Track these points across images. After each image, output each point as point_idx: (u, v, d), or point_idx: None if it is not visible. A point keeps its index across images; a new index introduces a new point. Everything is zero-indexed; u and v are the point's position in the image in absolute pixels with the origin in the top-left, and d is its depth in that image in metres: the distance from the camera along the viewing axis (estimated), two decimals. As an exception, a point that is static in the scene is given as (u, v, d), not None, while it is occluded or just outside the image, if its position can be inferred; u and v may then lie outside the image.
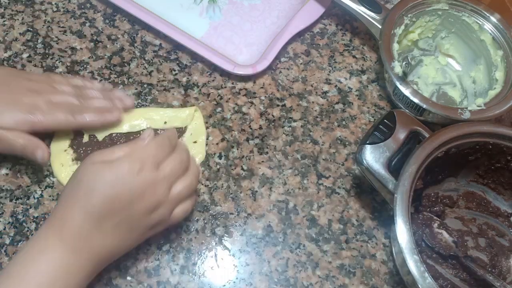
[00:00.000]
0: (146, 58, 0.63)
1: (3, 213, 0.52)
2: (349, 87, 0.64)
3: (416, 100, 0.56)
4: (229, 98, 0.61)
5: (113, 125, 0.55)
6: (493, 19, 0.61)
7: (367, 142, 0.51)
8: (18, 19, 0.64)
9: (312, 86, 0.63)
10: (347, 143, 0.60)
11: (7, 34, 0.63)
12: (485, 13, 0.62)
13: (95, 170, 0.43)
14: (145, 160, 0.44)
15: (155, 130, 0.56)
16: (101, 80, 0.61)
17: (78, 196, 0.43)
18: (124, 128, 0.56)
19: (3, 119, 0.48)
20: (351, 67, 0.66)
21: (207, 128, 0.59)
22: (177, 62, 0.63)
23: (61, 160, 0.54)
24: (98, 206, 0.43)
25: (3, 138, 0.49)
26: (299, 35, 0.66)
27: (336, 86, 0.64)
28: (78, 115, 0.53)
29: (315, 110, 0.62)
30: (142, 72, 0.62)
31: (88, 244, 0.43)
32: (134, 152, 0.45)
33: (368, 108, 0.63)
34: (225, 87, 0.62)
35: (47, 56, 0.62)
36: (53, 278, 0.41)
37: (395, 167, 0.50)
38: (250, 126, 0.60)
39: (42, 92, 0.52)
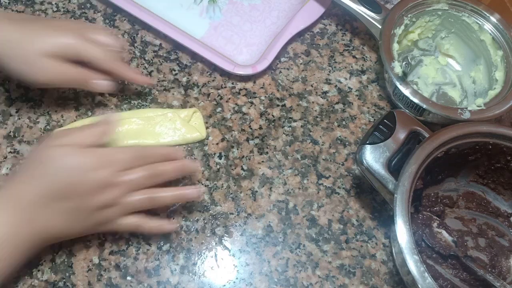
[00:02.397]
0: (146, 58, 0.63)
1: (3, 213, 0.52)
2: (349, 87, 0.64)
3: (416, 100, 0.56)
4: (229, 98, 0.61)
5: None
6: (493, 19, 0.61)
7: (367, 142, 0.51)
8: (18, 19, 0.64)
9: (312, 86, 0.63)
10: (347, 143, 0.60)
11: (7, 34, 0.62)
12: (485, 13, 0.62)
13: (62, 154, 0.44)
14: (112, 161, 0.45)
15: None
16: (101, 80, 0.61)
17: (38, 173, 0.44)
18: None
19: (48, 41, 0.48)
20: (351, 67, 0.66)
21: (207, 128, 0.59)
22: (177, 62, 0.63)
23: None
24: (54, 188, 0.43)
25: (59, 71, 0.49)
26: (299, 35, 0.67)
27: (336, 86, 0.64)
28: (116, 60, 0.52)
29: (315, 110, 0.62)
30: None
31: (34, 220, 0.43)
32: (103, 150, 0.46)
33: (368, 108, 0.63)
34: (225, 87, 0.62)
35: (47, 56, 0.62)
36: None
37: (395, 167, 0.50)
38: (250, 126, 0.60)
39: (83, 24, 0.55)
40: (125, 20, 0.66)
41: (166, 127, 0.57)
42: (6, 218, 0.43)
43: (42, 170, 0.44)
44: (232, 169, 0.57)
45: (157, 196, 0.48)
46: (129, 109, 0.59)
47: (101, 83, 0.52)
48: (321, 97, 0.63)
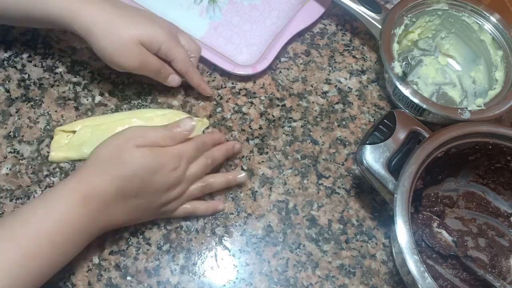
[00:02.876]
0: (146, 58, 0.63)
1: (3, 213, 0.52)
2: (349, 87, 0.64)
3: (416, 100, 0.56)
4: (229, 98, 0.61)
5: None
6: (493, 19, 0.61)
7: (367, 142, 0.51)
8: (18, 19, 0.64)
9: (312, 86, 0.63)
10: (347, 143, 0.60)
11: (7, 34, 0.62)
12: (485, 13, 0.62)
13: (140, 155, 0.46)
14: (182, 159, 0.48)
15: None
16: (101, 81, 0.61)
17: (116, 173, 0.45)
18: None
19: (144, 31, 0.51)
20: (351, 67, 0.66)
21: (207, 128, 0.59)
22: (177, 62, 0.63)
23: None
24: (131, 186, 0.45)
25: (147, 61, 0.53)
26: (299, 35, 0.67)
27: (336, 86, 0.64)
28: (192, 66, 0.56)
29: (315, 110, 0.62)
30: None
31: (106, 212, 0.45)
32: (174, 149, 0.48)
33: (368, 108, 0.63)
34: (225, 87, 0.62)
35: (47, 56, 0.62)
36: (57, 228, 0.42)
37: (395, 167, 0.50)
38: (250, 126, 0.60)
39: (172, 24, 0.57)
40: (125, 20, 0.65)
41: None
42: (69, 208, 0.43)
43: (121, 171, 0.45)
44: (232, 169, 0.57)
45: (212, 182, 0.52)
46: (129, 109, 0.59)
47: (175, 79, 0.56)
48: (321, 97, 0.63)
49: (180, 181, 0.49)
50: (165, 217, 0.52)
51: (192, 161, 0.50)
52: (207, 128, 0.59)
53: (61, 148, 0.55)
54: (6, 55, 0.61)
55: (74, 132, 0.56)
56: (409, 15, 0.62)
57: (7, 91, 0.59)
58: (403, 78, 0.57)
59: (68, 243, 0.44)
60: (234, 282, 0.51)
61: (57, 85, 0.60)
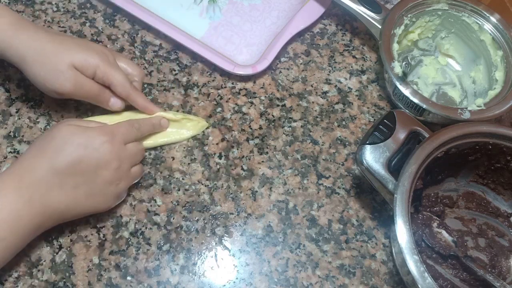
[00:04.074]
0: (146, 58, 0.63)
1: (3, 213, 0.52)
2: (349, 87, 0.64)
3: (416, 100, 0.56)
4: (229, 98, 0.61)
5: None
6: (493, 19, 0.61)
7: (367, 142, 0.51)
8: (18, 19, 0.64)
9: (312, 86, 0.63)
10: (347, 143, 0.60)
11: (7, 34, 0.62)
12: (485, 13, 0.62)
13: (69, 132, 0.47)
14: (115, 134, 0.49)
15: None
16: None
17: (46, 151, 0.46)
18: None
19: (77, 56, 0.51)
20: (351, 67, 0.66)
21: (207, 128, 0.59)
22: (177, 62, 0.63)
23: None
24: (64, 163, 0.46)
25: (82, 84, 0.52)
26: (299, 35, 0.67)
27: (336, 86, 0.64)
28: (133, 89, 0.55)
29: (315, 110, 0.62)
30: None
31: (44, 197, 0.45)
32: (106, 126, 0.50)
33: (368, 108, 0.63)
34: (225, 87, 0.62)
35: (47, 56, 0.62)
36: (1, 220, 0.43)
37: (395, 167, 0.50)
38: (250, 126, 0.60)
39: (111, 50, 0.56)
40: (125, 20, 0.66)
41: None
42: (8, 199, 0.44)
43: (49, 145, 0.46)
44: (232, 169, 0.57)
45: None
46: (129, 109, 0.59)
47: (115, 103, 0.55)
48: (321, 97, 0.63)
49: (121, 156, 0.49)
50: (118, 202, 0.52)
51: (127, 140, 0.50)
52: (207, 128, 0.59)
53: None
54: (6, 55, 0.61)
55: None
56: (409, 15, 0.62)
57: (7, 91, 0.59)
58: (403, 78, 0.57)
59: (7, 230, 0.43)
60: (234, 282, 0.51)
61: (57, 85, 0.60)
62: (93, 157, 0.47)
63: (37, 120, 0.57)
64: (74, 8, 0.66)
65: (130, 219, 0.53)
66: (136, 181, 0.53)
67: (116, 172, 0.49)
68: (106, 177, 0.48)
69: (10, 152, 0.55)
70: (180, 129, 0.58)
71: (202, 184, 0.56)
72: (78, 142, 0.46)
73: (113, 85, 0.53)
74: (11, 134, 0.56)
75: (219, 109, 0.61)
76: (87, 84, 0.52)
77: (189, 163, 0.57)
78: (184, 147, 0.57)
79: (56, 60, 0.50)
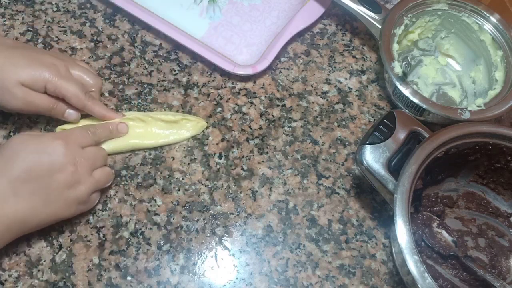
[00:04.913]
0: (146, 58, 0.63)
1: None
2: (349, 87, 0.64)
3: (416, 100, 0.56)
4: (229, 98, 0.61)
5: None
6: (493, 19, 0.61)
7: (367, 142, 0.51)
8: (18, 19, 0.64)
9: (312, 86, 0.64)
10: (347, 143, 0.60)
11: (7, 34, 0.63)
12: (485, 13, 0.62)
13: (20, 140, 0.46)
14: (69, 138, 0.48)
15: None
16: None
17: (2, 160, 0.45)
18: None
19: (23, 72, 0.50)
20: (351, 67, 0.66)
21: (207, 128, 0.59)
22: (177, 62, 0.63)
23: None
24: (17, 170, 0.45)
25: (31, 101, 0.51)
26: (299, 35, 0.67)
27: (336, 86, 0.64)
28: (89, 99, 0.54)
29: (315, 110, 0.62)
30: (142, 72, 0.62)
31: (0, 206, 0.44)
32: (60, 132, 0.50)
33: (368, 108, 0.63)
34: (225, 87, 0.62)
35: (47, 56, 0.62)
36: None
37: (395, 167, 0.50)
38: (250, 126, 0.60)
39: (64, 60, 0.55)
40: (125, 20, 0.66)
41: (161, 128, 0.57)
42: None
43: (5, 157, 0.46)
44: (232, 169, 0.57)
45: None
46: (129, 109, 0.59)
47: (70, 114, 0.55)
48: (321, 97, 0.63)
49: (77, 158, 0.48)
50: (86, 209, 0.51)
51: (82, 145, 0.49)
52: (207, 128, 0.59)
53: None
54: (6, 55, 0.61)
55: None
56: (409, 15, 0.62)
57: (7, 91, 0.59)
58: (403, 78, 0.57)
59: None
60: (234, 282, 0.51)
61: (57, 85, 0.60)
62: (46, 162, 0.46)
63: (37, 120, 0.57)
64: (74, 8, 0.66)
65: (130, 219, 0.53)
66: (106, 185, 0.52)
67: (72, 175, 0.47)
68: (62, 181, 0.46)
69: (10, 152, 0.55)
70: (179, 129, 0.58)
71: (202, 184, 0.56)
72: (30, 148, 0.46)
73: (67, 97, 0.52)
74: (11, 134, 0.56)
75: (219, 109, 0.61)
76: (37, 100, 0.51)
77: (189, 163, 0.57)
78: (184, 147, 0.58)
79: (2, 77, 0.49)
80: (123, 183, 0.55)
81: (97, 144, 0.53)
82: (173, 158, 0.57)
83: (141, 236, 0.52)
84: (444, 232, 0.53)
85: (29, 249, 0.50)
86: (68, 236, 0.52)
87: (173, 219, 0.53)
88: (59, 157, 0.46)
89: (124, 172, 0.55)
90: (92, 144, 0.51)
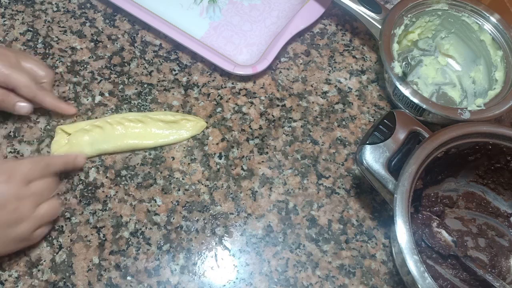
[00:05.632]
0: (146, 58, 0.63)
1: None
2: (349, 87, 0.64)
3: (416, 100, 0.56)
4: (229, 98, 0.62)
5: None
6: (493, 19, 0.61)
7: (367, 142, 0.51)
8: (18, 19, 0.64)
9: (312, 86, 0.64)
10: (347, 143, 0.60)
11: (7, 34, 0.63)
12: (485, 13, 0.62)
13: None
14: (14, 173, 0.45)
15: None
16: (101, 81, 0.61)
17: None
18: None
19: None
20: (351, 67, 0.66)
21: (207, 128, 0.59)
22: (177, 62, 0.63)
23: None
24: None
25: None
26: (299, 35, 0.67)
27: (336, 86, 0.64)
28: (40, 89, 0.53)
29: (315, 110, 0.62)
30: (142, 72, 0.62)
31: None
32: (6, 163, 0.46)
33: (368, 108, 0.63)
34: (225, 87, 0.62)
35: (47, 56, 0.62)
36: None
37: (395, 167, 0.50)
38: (250, 126, 0.60)
39: (15, 52, 0.54)
40: (125, 20, 0.66)
41: (160, 128, 0.57)
42: None
43: None
44: (232, 169, 0.57)
45: (58, 211, 0.50)
46: (129, 109, 0.59)
47: (22, 106, 0.54)
48: (321, 97, 0.63)
49: (20, 195, 0.45)
50: (30, 244, 0.49)
51: (30, 179, 0.46)
52: (207, 128, 0.59)
53: (62, 148, 0.55)
54: (6, 55, 0.61)
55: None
56: (409, 15, 0.62)
57: (7, 91, 0.59)
58: (403, 78, 0.57)
59: None
60: (234, 282, 0.51)
61: (57, 85, 0.60)
62: None
63: (37, 120, 0.57)
64: (74, 8, 0.66)
65: (130, 219, 0.53)
66: (52, 219, 0.50)
67: (13, 213, 0.45)
68: (2, 220, 0.44)
69: (10, 152, 0.55)
70: (179, 129, 0.58)
71: (202, 184, 0.56)
72: None
73: (17, 88, 0.52)
74: (11, 134, 0.56)
75: (219, 109, 0.61)
76: None
77: (189, 163, 0.57)
78: (184, 147, 0.58)
79: None
80: (123, 183, 0.55)
81: (50, 176, 0.49)
82: (173, 158, 0.57)
83: (141, 236, 0.52)
84: (444, 232, 0.53)
85: (29, 249, 0.50)
86: (68, 236, 0.52)
87: (173, 219, 0.53)
88: (3, 197, 0.44)
89: (124, 172, 0.56)
90: (43, 177, 0.48)
